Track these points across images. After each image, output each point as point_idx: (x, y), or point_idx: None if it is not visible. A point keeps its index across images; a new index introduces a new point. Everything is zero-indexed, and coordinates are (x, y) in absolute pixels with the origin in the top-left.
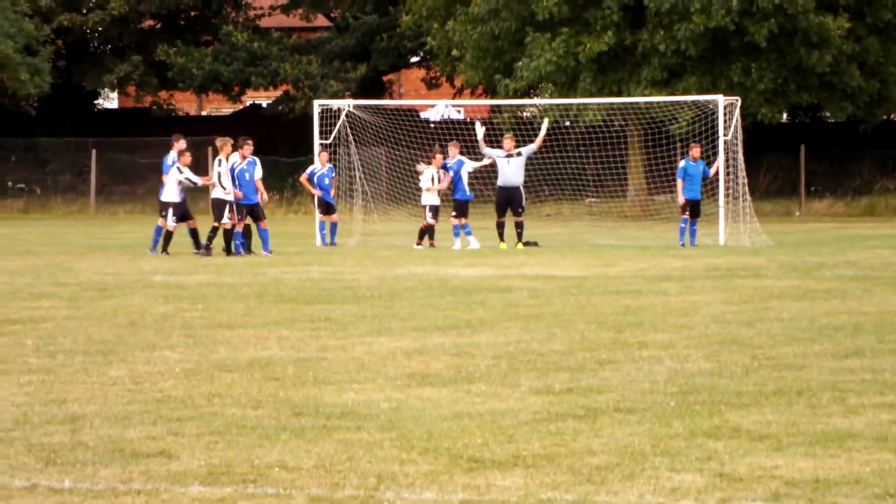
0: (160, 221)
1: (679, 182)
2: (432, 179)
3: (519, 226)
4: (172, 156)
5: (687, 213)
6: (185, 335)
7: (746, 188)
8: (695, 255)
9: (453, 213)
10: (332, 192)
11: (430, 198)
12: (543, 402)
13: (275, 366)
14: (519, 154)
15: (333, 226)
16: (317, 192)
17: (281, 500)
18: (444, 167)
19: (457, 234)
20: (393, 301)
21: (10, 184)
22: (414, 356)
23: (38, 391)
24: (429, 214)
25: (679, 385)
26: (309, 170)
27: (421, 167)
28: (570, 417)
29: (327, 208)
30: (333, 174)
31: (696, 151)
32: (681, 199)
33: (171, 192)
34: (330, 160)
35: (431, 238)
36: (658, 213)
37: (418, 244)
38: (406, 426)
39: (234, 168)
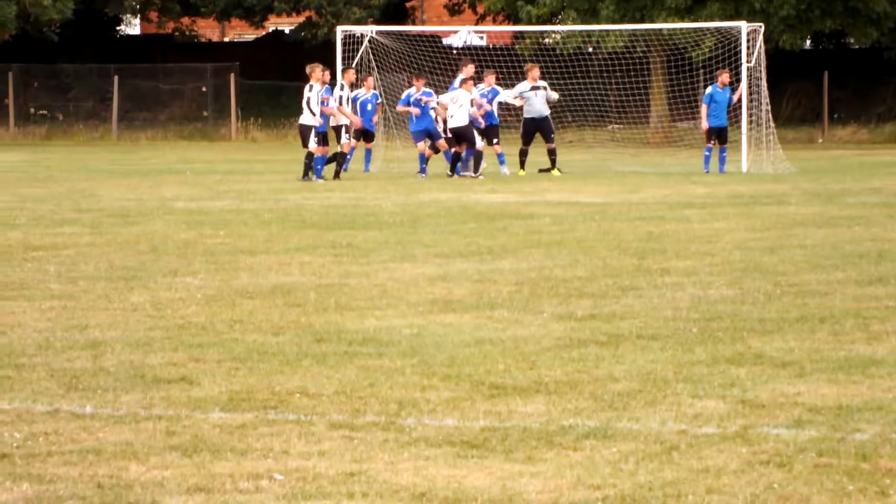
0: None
1: (704, 108)
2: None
3: (552, 153)
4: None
5: (713, 140)
6: (206, 261)
7: (770, 115)
8: (717, 182)
9: (495, 140)
10: (375, 119)
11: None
12: (565, 329)
13: (296, 292)
14: (544, 88)
15: (368, 152)
16: (356, 120)
17: (301, 426)
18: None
19: (503, 161)
20: (415, 227)
21: (32, 110)
22: (436, 282)
23: (60, 317)
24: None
25: (701, 312)
26: (353, 94)
27: (445, 98)
28: (592, 344)
29: (366, 135)
30: (379, 100)
31: (724, 77)
32: (704, 125)
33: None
34: (375, 86)
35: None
36: (680, 139)
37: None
38: (428, 352)
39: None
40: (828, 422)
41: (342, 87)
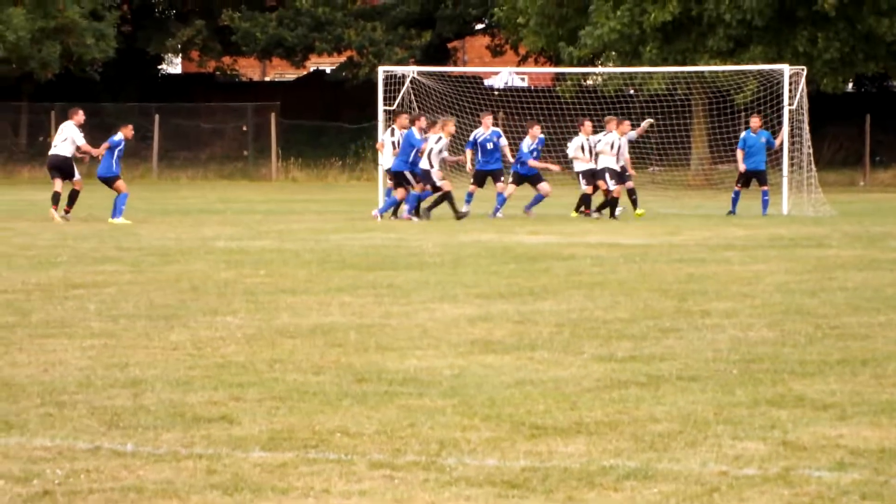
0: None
1: (739, 153)
2: (582, 148)
3: (631, 192)
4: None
5: (740, 184)
6: (246, 301)
7: (811, 158)
8: (758, 225)
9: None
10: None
11: (580, 165)
12: (606, 370)
13: (337, 332)
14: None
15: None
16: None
17: (342, 465)
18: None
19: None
20: (456, 268)
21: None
22: (477, 323)
23: (101, 355)
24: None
25: (742, 353)
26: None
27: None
28: (632, 385)
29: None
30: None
31: (755, 122)
32: (741, 167)
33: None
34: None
35: (609, 207)
36: (721, 182)
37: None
38: (468, 392)
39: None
40: (870, 465)
41: (392, 133)
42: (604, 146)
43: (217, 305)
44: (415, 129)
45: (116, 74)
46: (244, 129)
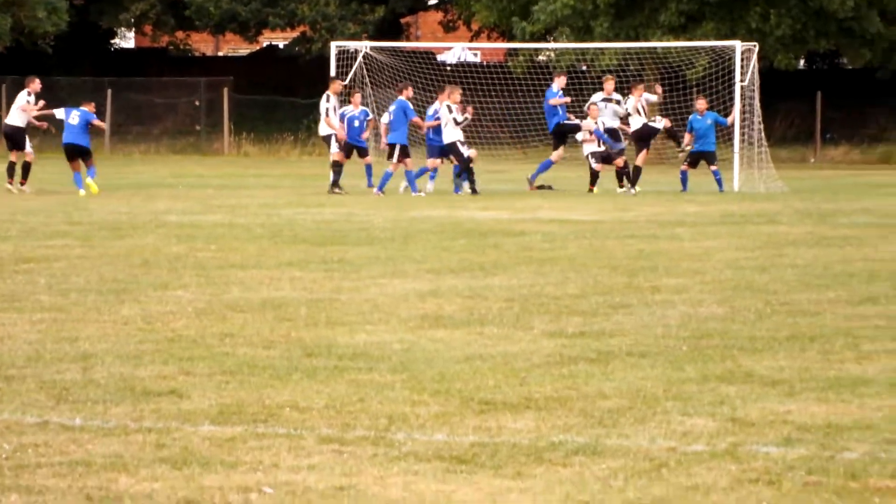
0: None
1: (687, 136)
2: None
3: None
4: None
5: (687, 163)
6: (197, 275)
7: (763, 134)
8: (709, 201)
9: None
10: (365, 135)
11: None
12: (556, 346)
13: (287, 306)
14: (616, 102)
15: (368, 168)
16: (341, 134)
17: (291, 440)
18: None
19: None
20: (407, 243)
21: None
22: (427, 298)
23: (51, 329)
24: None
25: (692, 330)
26: (342, 110)
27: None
28: (582, 361)
29: (349, 151)
30: (369, 117)
31: (700, 104)
32: (687, 149)
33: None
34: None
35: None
36: (674, 157)
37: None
38: (418, 368)
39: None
40: (817, 440)
41: (328, 99)
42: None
43: (168, 280)
44: (352, 105)
45: (69, 48)
46: (197, 103)
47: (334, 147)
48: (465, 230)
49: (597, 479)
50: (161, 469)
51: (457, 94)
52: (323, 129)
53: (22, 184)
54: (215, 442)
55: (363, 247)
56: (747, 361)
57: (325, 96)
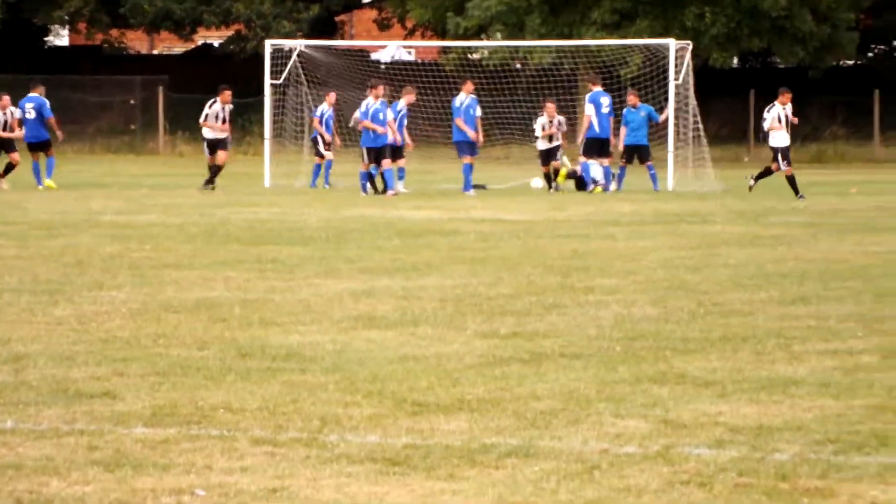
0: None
1: (622, 129)
2: (778, 119)
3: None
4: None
5: (624, 160)
6: (132, 275)
7: (699, 133)
8: (643, 200)
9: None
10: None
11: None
12: (489, 346)
13: (221, 307)
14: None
15: (328, 164)
16: (327, 135)
17: (224, 441)
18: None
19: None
20: (340, 243)
21: None
22: (360, 298)
23: None
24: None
25: (625, 330)
26: (318, 111)
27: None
28: (515, 362)
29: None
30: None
31: (631, 99)
32: (620, 146)
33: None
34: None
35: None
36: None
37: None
38: (351, 368)
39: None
40: (748, 442)
41: (212, 104)
42: (772, 121)
43: (102, 280)
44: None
45: (1, 45)
46: (132, 102)
47: (320, 147)
48: (398, 230)
49: (529, 481)
50: (93, 472)
51: (412, 96)
52: (206, 133)
53: None
54: (148, 444)
55: (297, 246)
56: (680, 362)
57: (212, 101)
